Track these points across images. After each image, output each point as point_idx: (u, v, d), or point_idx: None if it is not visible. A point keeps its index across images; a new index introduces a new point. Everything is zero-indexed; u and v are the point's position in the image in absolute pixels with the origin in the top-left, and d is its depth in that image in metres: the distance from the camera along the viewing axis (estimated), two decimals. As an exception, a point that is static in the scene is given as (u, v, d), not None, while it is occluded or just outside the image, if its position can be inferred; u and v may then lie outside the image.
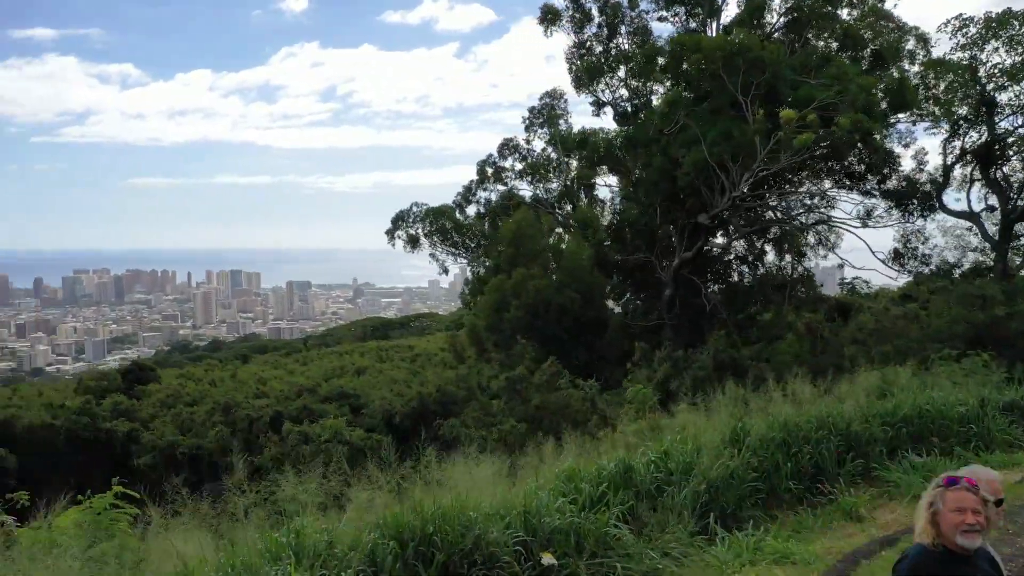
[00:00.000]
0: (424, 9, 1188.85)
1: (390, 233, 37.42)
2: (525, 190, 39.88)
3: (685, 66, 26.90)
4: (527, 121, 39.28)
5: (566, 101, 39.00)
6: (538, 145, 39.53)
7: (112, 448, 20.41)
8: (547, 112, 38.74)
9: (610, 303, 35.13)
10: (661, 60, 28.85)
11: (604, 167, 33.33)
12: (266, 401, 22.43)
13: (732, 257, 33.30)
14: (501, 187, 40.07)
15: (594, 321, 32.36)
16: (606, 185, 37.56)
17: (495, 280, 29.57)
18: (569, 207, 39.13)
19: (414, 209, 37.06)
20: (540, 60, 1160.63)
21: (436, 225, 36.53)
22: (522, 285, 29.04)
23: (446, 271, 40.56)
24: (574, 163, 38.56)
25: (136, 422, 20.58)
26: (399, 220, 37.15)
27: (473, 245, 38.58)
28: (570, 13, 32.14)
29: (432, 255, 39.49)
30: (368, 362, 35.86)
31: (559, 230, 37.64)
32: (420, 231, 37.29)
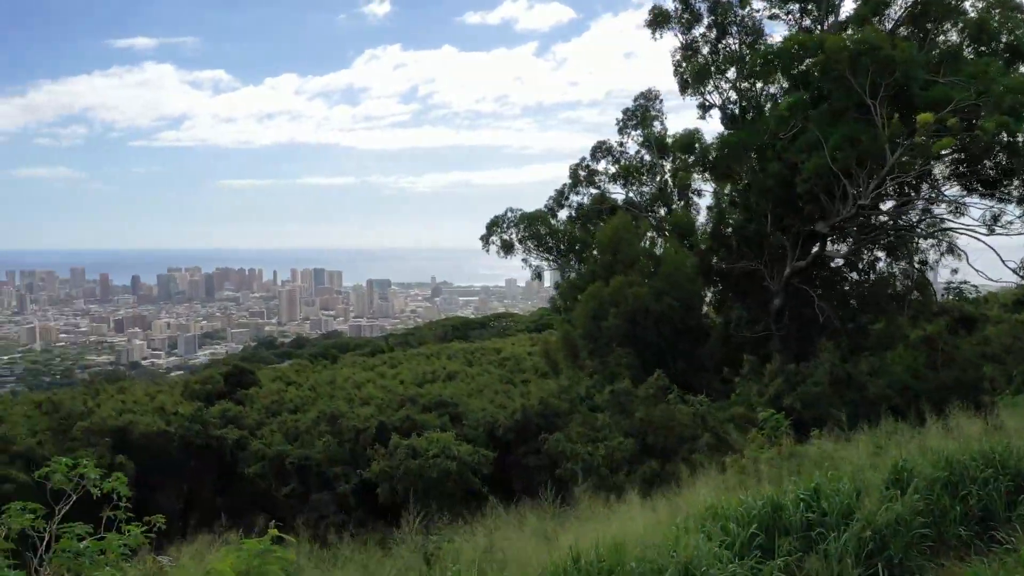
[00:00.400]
0: (504, 9, 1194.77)
1: (484, 239, 37.13)
2: (617, 193, 39.02)
3: (804, 67, 25.39)
4: (620, 123, 38.37)
5: (661, 102, 37.95)
6: (631, 147, 38.60)
7: (222, 455, 20.53)
8: (641, 113, 37.77)
9: (706, 311, 33.94)
10: (773, 61, 27.39)
11: (705, 171, 32.06)
12: (368, 410, 22.23)
13: (842, 265, 31.50)
14: (593, 190, 39.31)
15: (693, 330, 31.16)
16: (705, 190, 36.33)
17: (593, 287, 28.77)
18: (663, 211, 38.09)
19: (508, 215, 36.71)
20: (620, 58, 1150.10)
21: (530, 231, 36.08)
22: (621, 292, 28.17)
23: (539, 276, 40.05)
24: (668, 166, 37.47)
25: (244, 429, 20.67)
26: (494, 226, 36.76)
27: (564, 249, 37.94)
28: (678, 15, 31.07)
29: (525, 260, 39.04)
30: (457, 366, 35.38)
31: (650, 234, 36.62)
32: (514, 236, 36.89)
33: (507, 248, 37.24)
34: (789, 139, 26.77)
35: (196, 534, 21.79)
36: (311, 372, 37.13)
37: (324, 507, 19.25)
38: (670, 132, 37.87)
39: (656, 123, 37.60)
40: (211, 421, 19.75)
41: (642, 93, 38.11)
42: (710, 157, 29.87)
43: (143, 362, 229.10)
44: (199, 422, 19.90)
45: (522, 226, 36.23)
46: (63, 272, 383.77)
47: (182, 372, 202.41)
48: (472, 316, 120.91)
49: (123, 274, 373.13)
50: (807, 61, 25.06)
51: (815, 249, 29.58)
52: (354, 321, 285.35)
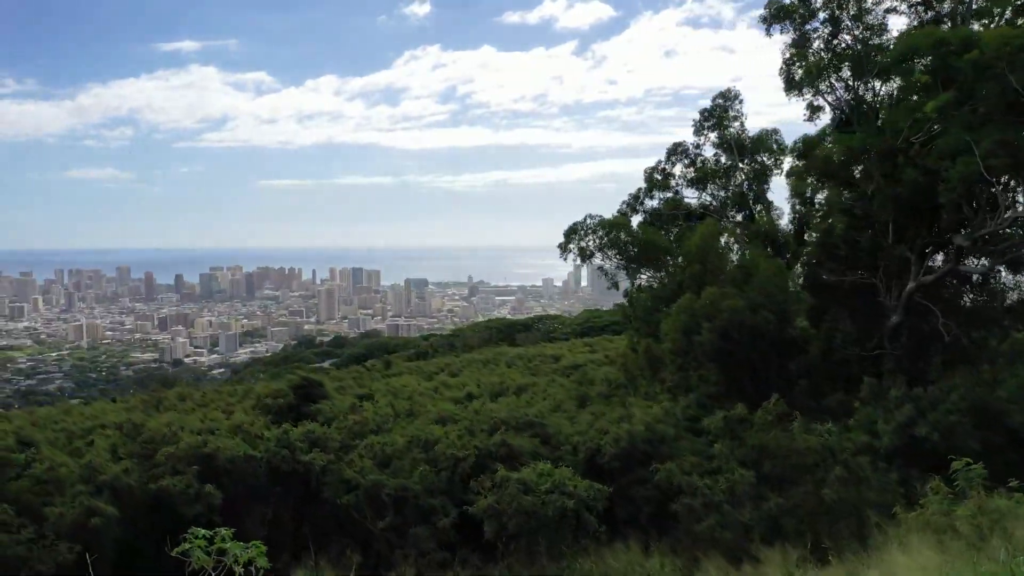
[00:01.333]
0: (543, 8, 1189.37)
1: (563, 246, 35.25)
2: (690, 198, 37.02)
3: (952, 64, 22.89)
4: (697, 124, 36.30)
5: (741, 102, 35.87)
6: (708, 149, 36.56)
7: (307, 479, 19.00)
8: (719, 114, 35.76)
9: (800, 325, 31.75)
10: (910, 57, 24.94)
11: (819, 177, 29.75)
12: (455, 431, 20.48)
13: (961, 279, 29.04)
14: (666, 194, 37.42)
15: (788, 345, 29.05)
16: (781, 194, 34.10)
17: (684, 299, 26.71)
18: (739, 216, 36.06)
19: (587, 221, 34.82)
20: (659, 56, 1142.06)
21: (610, 237, 34.20)
22: (714, 305, 26.23)
23: (616, 286, 38.15)
24: (746, 168, 35.42)
25: (330, 453, 19.12)
26: (572, 232, 34.82)
27: (636, 255, 36.00)
28: (795, 8, 28.84)
29: (601, 269, 37.21)
30: (521, 376, 33.02)
31: (725, 239, 34.50)
32: (591, 243, 35.04)
33: (585, 256, 35.37)
34: (923, 143, 24.37)
35: (285, 562, 20.28)
36: (371, 381, 35.28)
37: (424, 542, 17.53)
38: (751, 133, 35.85)
39: (736, 123, 35.60)
40: (298, 445, 18.17)
41: (721, 93, 35.95)
42: (829, 161, 27.44)
43: (186, 359, 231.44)
44: (285, 446, 18.32)
45: (601, 232, 34.38)
46: (109, 271, 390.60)
47: (223, 370, 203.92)
48: (514, 317, 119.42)
49: (167, 273, 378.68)
50: (964, 57, 22.53)
51: (939, 261, 27.16)
52: (392, 320, 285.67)
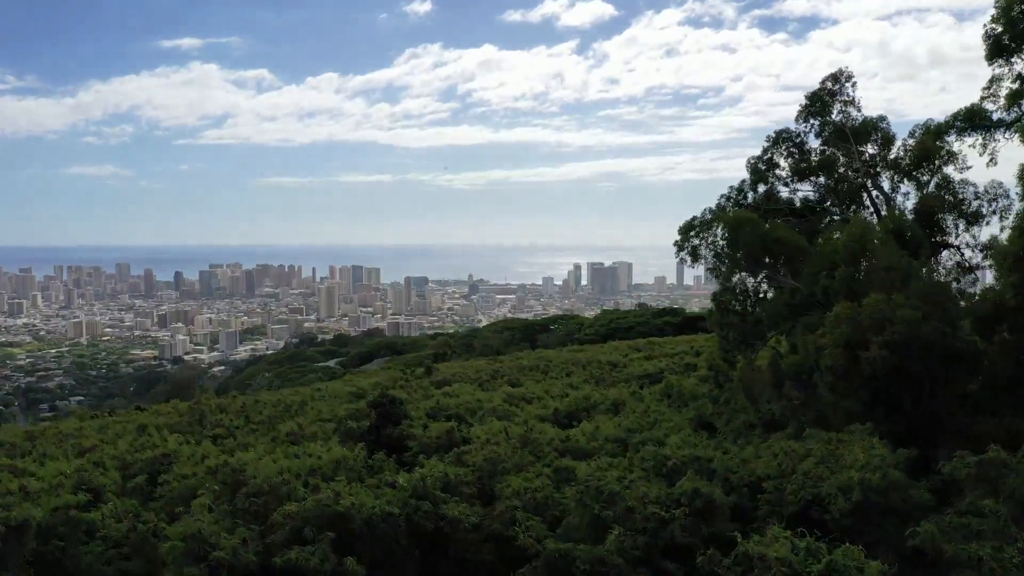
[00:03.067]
0: (545, 7, 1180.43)
1: (679, 245, 30.93)
2: (782, 191, 33.68)
3: None
4: (803, 109, 32.94)
5: (854, 85, 32.48)
6: (813, 139, 33.30)
7: (456, 539, 13.82)
8: (827, 99, 32.46)
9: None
10: None
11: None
12: (613, 471, 15.06)
13: None
14: (770, 187, 34.22)
15: (957, 359, 25.35)
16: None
17: (842, 308, 22.01)
18: (851, 211, 33.13)
19: (707, 215, 31.52)
20: (660, 55, 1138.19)
21: (730, 234, 31.10)
22: (882, 315, 22.17)
23: (738, 295, 34.10)
24: (866, 156, 32.39)
25: (474, 503, 13.80)
26: (689, 230, 30.79)
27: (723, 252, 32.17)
28: None
29: (714, 270, 32.47)
30: (595, 389, 25.51)
31: (837, 235, 30.79)
32: (710, 241, 31.29)
33: (695, 256, 30.79)
34: None
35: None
36: (421, 391, 29.18)
37: None
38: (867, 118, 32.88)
39: (852, 109, 32.37)
40: (439, 496, 13.04)
41: (830, 75, 32.73)
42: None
43: (186, 357, 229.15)
44: (427, 499, 13.06)
45: (721, 228, 30.87)
46: (109, 268, 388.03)
47: (224, 367, 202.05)
48: (532, 318, 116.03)
49: (166, 270, 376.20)
50: None
51: None
52: (392, 318, 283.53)
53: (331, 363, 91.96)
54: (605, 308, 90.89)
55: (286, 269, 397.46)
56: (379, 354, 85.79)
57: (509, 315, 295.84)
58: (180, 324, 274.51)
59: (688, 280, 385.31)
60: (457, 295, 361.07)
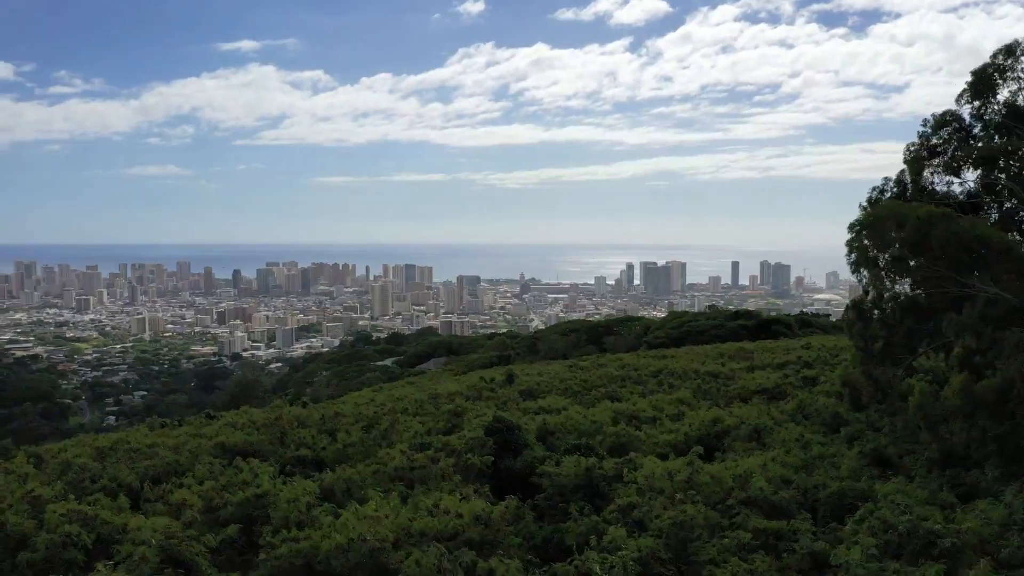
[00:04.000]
0: (598, 5, 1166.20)
1: (851, 245, 28.14)
2: (945, 182, 29.87)
3: None
4: (967, 90, 28.93)
5: None
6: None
7: None
8: (993, 77, 28.64)
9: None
10: None
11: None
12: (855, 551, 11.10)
13: None
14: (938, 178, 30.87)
15: None
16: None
17: None
18: None
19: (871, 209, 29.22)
20: (715, 52, 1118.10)
21: (919, 235, 28.30)
22: None
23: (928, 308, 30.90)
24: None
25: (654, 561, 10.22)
26: (863, 229, 27.76)
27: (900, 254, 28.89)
28: None
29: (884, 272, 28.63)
30: (708, 406, 19.00)
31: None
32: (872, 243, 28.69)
33: (867, 259, 27.33)
34: None
35: None
36: (513, 404, 23.91)
37: None
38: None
39: None
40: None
41: (1003, 48, 28.96)
42: None
43: (244, 354, 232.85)
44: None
45: (910, 229, 28.10)
46: (171, 266, 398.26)
47: (280, 364, 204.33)
48: (596, 318, 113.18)
49: (225, 268, 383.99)
50: None
51: None
52: (444, 317, 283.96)
53: (388, 362, 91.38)
54: (673, 310, 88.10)
55: (340, 267, 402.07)
56: (435, 354, 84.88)
57: (561, 315, 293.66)
58: (238, 321, 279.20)
59: (743, 280, 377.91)
60: (509, 294, 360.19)
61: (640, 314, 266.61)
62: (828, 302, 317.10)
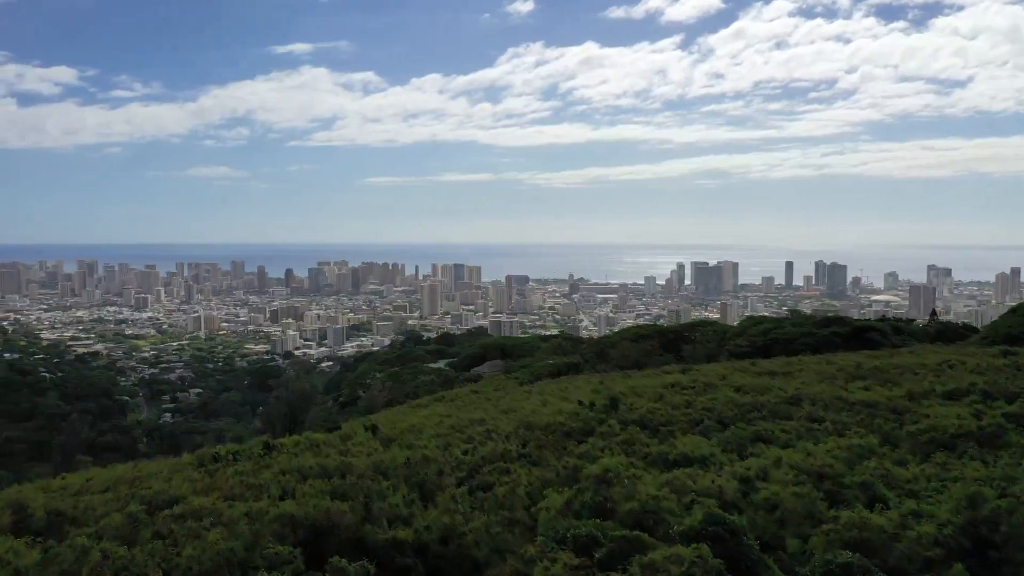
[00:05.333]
0: (649, 2, 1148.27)
1: None
2: None
3: None
4: None
5: None
6: None
7: None
8: None
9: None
10: None
11: None
12: None
13: None
14: None
15: None
16: None
17: None
18: None
19: None
20: (769, 48, 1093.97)
21: None
22: None
23: None
24: None
25: None
26: None
27: None
28: None
29: None
30: (917, 458, 15.25)
31: None
32: None
33: None
34: None
35: None
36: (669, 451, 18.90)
37: None
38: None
39: None
40: None
41: None
42: None
43: (296, 352, 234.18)
44: None
45: None
46: (225, 265, 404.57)
47: (332, 363, 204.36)
48: (666, 323, 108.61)
49: (278, 267, 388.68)
50: None
51: None
52: (493, 317, 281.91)
53: (441, 364, 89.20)
54: (751, 315, 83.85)
55: (390, 267, 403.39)
56: (489, 356, 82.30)
57: (611, 315, 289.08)
58: (290, 320, 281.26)
59: (797, 280, 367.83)
60: (557, 294, 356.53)
61: (693, 315, 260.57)
62: (887, 303, 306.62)
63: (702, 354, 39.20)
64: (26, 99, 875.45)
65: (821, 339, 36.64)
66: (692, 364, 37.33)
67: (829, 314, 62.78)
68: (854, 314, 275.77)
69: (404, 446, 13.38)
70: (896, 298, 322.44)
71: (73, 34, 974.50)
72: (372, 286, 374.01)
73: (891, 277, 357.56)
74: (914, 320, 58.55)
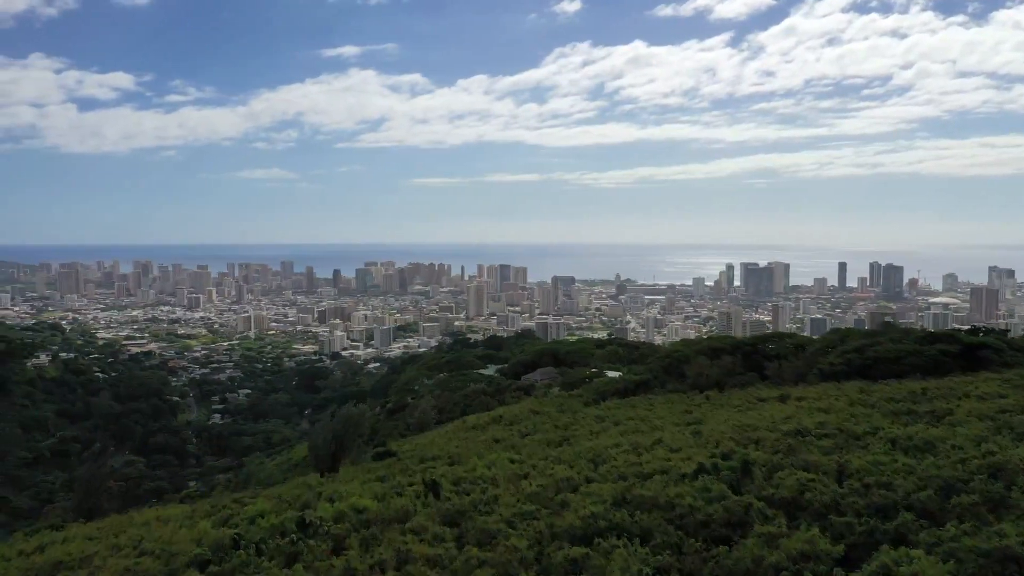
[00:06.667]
0: (698, 0, 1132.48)
1: None
2: None
3: None
4: None
5: None
6: None
7: None
8: None
9: None
10: None
11: None
12: None
13: None
14: None
15: None
16: None
17: None
18: None
19: None
20: (821, 44, 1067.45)
21: None
22: None
23: None
24: None
25: None
26: None
27: None
28: None
29: None
30: None
31: None
32: None
33: None
34: None
35: None
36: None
37: None
38: None
39: None
40: None
41: None
42: None
43: (343, 353, 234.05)
44: None
45: None
46: (274, 265, 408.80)
47: (378, 364, 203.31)
48: (739, 335, 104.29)
49: (325, 267, 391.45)
50: None
51: None
52: (539, 318, 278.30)
53: (491, 371, 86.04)
54: (834, 328, 78.93)
55: (436, 267, 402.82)
56: (541, 363, 78.72)
57: (659, 316, 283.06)
58: (338, 320, 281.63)
59: (851, 282, 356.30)
60: (604, 295, 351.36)
61: (744, 317, 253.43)
62: (946, 306, 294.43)
63: (790, 373, 34.96)
64: (85, 104, 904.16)
65: (929, 358, 32.15)
66: (780, 384, 33.32)
67: (916, 328, 57.77)
68: (911, 318, 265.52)
69: (477, 534, 10.06)
70: (956, 300, 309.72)
71: (129, 41, 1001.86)
72: (418, 286, 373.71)
73: (950, 278, 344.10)
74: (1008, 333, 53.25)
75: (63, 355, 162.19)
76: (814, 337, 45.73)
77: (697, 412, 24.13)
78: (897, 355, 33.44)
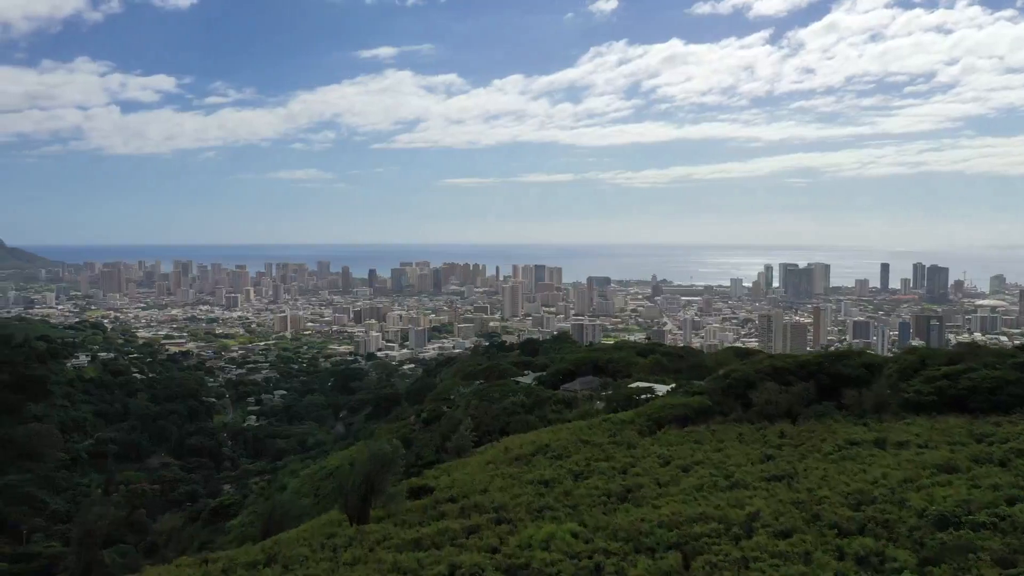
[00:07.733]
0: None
1: None
2: None
3: None
4: None
5: None
6: None
7: None
8: None
9: None
10: None
11: None
12: None
13: None
14: None
15: None
16: None
17: None
18: None
19: None
20: (863, 41, 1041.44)
21: None
22: None
23: None
24: None
25: None
26: None
27: None
28: None
29: None
30: None
31: None
32: None
33: None
34: None
35: None
36: None
37: None
38: None
39: None
40: None
41: None
42: None
43: (378, 354, 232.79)
44: None
45: None
46: (311, 265, 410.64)
47: (413, 365, 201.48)
48: (811, 353, 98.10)
49: (361, 267, 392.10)
50: None
51: None
52: (575, 319, 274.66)
53: (529, 379, 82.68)
54: (912, 345, 75.23)
55: (471, 268, 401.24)
56: (580, 372, 75.34)
57: (696, 318, 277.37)
58: (373, 320, 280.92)
59: (893, 283, 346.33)
60: (640, 296, 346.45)
61: (784, 320, 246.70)
62: (994, 309, 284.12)
63: (870, 403, 31.32)
64: (128, 107, 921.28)
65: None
66: (861, 416, 29.81)
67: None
68: (957, 321, 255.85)
69: None
70: (1003, 303, 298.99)
71: (171, 43, 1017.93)
72: (453, 287, 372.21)
73: (997, 280, 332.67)
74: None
75: (103, 355, 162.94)
76: (887, 355, 42.01)
77: (779, 457, 20.90)
78: (996, 384, 29.70)
